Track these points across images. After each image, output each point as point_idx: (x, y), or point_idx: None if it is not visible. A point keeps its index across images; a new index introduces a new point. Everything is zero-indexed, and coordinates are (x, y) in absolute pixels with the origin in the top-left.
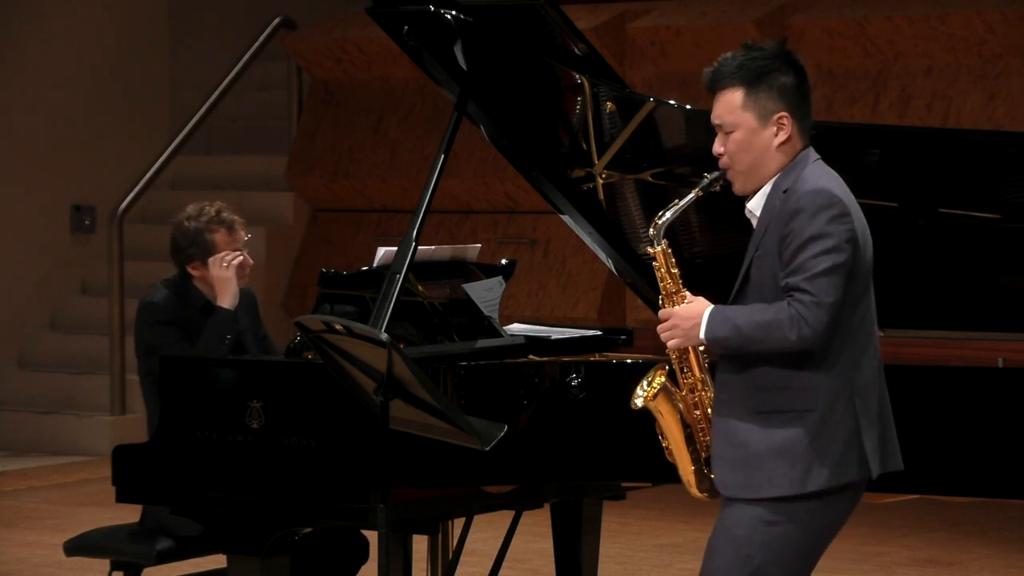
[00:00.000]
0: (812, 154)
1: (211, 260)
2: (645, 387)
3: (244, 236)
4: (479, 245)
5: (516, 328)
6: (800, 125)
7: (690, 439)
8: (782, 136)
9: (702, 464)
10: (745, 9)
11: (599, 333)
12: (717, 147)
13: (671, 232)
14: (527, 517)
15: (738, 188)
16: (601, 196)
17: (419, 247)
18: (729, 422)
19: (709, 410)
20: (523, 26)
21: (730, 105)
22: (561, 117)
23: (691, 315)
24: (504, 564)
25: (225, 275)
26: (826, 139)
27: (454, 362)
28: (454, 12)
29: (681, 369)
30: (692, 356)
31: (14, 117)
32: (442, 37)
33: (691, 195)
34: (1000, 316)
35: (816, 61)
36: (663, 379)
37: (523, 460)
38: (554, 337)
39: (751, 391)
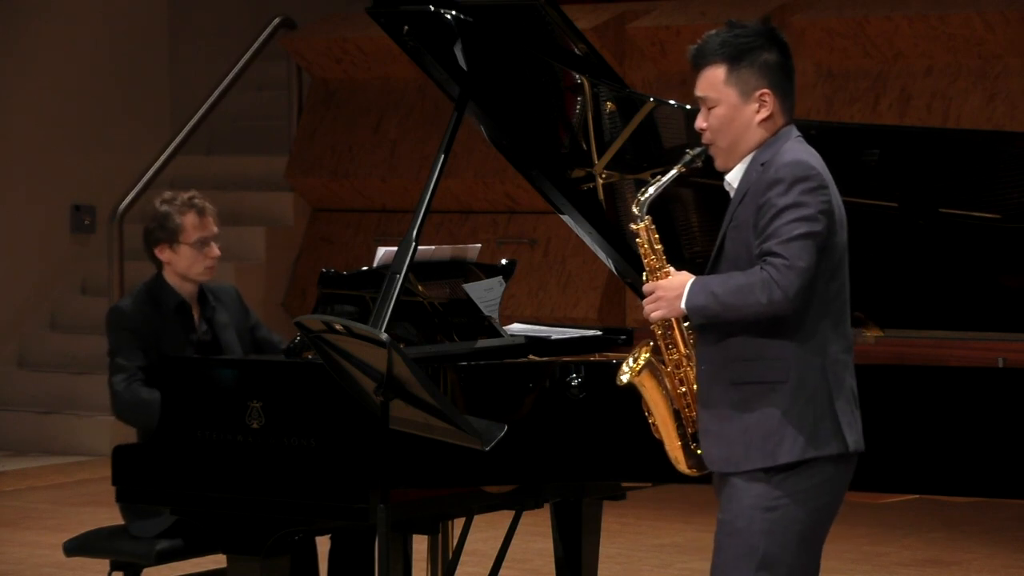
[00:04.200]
0: (794, 131)
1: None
2: (631, 363)
3: (215, 226)
4: (479, 245)
5: (516, 328)
6: (782, 102)
7: (677, 415)
8: (764, 112)
9: (689, 440)
10: (745, 9)
11: (599, 333)
12: (699, 122)
13: (672, 232)
14: (527, 517)
15: (719, 164)
16: (601, 196)
17: (419, 247)
18: (712, 395)
19: (695, 386)
20: (523, 26)
21: (713, 81)
22: (561, 117)
23: (674, 287)
24: (504, 564)
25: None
26: (826, 139)
27: (454, 362)
28: (454, 12)
29: (667, 346)
30: (677, 332)
31: (14, 117)
32: (442, 37)
33: (673, 171)
34: (1000, 316)
35: (816, 61)
36: (648, 355)
37: (523, 460)
38: (554, 337)
39: (727, 362)
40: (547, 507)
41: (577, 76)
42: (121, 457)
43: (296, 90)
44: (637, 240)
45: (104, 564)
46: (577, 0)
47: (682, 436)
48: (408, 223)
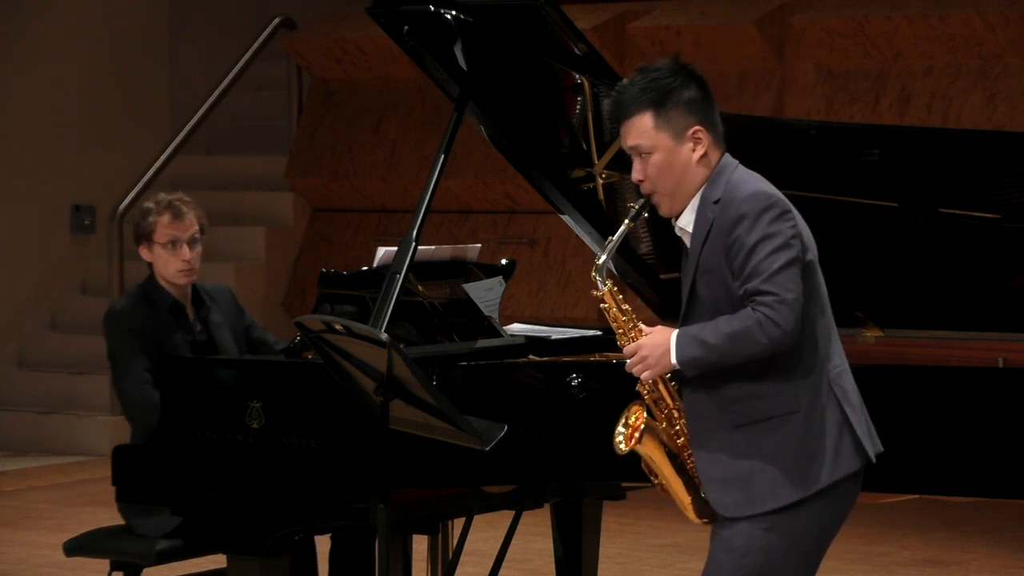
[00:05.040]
0: (731, 161)
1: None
2: (623, 429)
3: (195, 227)
4: (479, 245)
5: (516, 328)
6: (714, 135)
7: (681, 469)
8: (700, 150)
9: (699, 491)
10: (745, 9)
11: (599, 333)
12: (636, 175)
13: (672, 231)
14: (527, 517)
15: (665, 210)
16: (601, 196)
17: (419, 247)
18: (711, 443)
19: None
20: (523, 26)
21: (642, 129)
22: (561, 117)
23: (658, 343)
24: (504, 564)
25: None
26: (826, 139)
27: (454, 362)
28: (454, 12)
29: (655, 401)
30: (662, 386)
31: (14, 117)
32: (442, 37)
33: (622, 229)
34: (1000, 316)
35: (816, 61)
36: (643, 416)
37: (523, 460)
38: (554, 337)
39: (726, 406)
40: (547, 507)
41: (577, 76)
42: (121, 457)
43: (296, 90)
44: (602, 306)
45: (104, 564)
46: (577, 0)
47: (691, 488)
48: (408, 223)
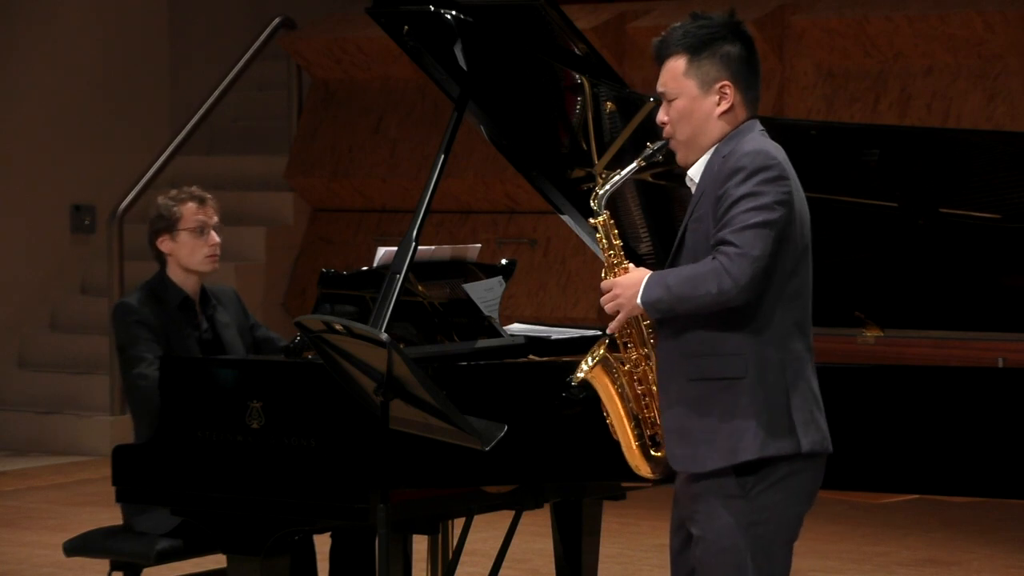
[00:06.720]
0: (757, 125)
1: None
2: (590, 361)
3: (215, 216)
4: (479, 245)
5: (516, 328)
6: (745, 95)
7: (636, 418)
8: (724, 105)
9: (646, 441)
10: (745, 9)
11: (599, 333)
12: (661, 116)
13: (671, 233)
14: (527, 517)
15: (680, 158)
16: None
17: (419, 247)
18: (671, 392)
19: (654, 387)
20: (523, 26)
21: (673, 72)
22: (561, 117)
23: (632, 283)
24: (504, 564)
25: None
26: (826, 139)
27: (454, 362)
28: (454, 12)
29: (625, 344)
30: (635, 330)
31: (14, 117)
32: (442, 37)
33: (633, 164)
34: (1000, 316)
35: (816, 61)
36: (603, 351)
37: (523, 460)
38: (554, 337)
39: (685, 358)
40: (547, 507)
41: (577, 76)
42: (121, 457)
43: (296, 90)
44: (596, 236)
45: (104, 564)
46: (577, 0)
47: (639, 438)
48: (408, 223)
